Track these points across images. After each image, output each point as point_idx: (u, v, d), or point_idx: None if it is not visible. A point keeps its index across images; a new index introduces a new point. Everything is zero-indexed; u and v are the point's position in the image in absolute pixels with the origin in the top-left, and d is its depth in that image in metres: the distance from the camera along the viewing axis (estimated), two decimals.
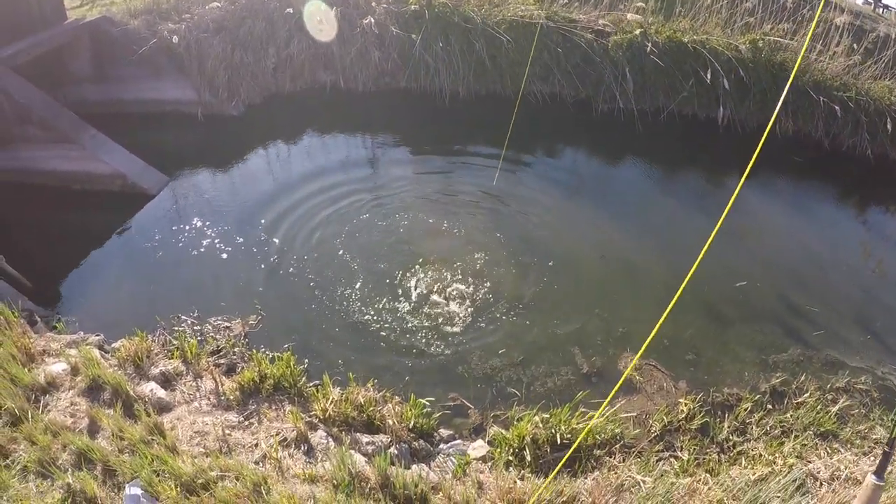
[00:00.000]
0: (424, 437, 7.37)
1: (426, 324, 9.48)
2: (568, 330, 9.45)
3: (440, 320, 9.55)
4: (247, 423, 6.92)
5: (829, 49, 16.57)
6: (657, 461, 7.24)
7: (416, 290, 10.07)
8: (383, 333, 9.25)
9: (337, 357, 8.83)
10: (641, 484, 6.48)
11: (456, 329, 9.41)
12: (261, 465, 6.19)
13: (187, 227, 11.44)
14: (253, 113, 15.69)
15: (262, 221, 11.57)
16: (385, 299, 9.88)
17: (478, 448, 7.34)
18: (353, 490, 5.86)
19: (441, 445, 7.39)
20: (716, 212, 12.59)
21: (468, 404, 8.17)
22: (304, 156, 14.09)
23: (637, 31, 15.61)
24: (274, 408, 7.17)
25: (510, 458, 7.02)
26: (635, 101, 15.52)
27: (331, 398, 7.26)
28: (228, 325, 9.17)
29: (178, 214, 11.89)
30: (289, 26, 16.17)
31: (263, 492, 5.63)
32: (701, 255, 2.89)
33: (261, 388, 7.41)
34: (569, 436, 7.17)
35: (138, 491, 5.46)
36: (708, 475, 6.90)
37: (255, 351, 8.32)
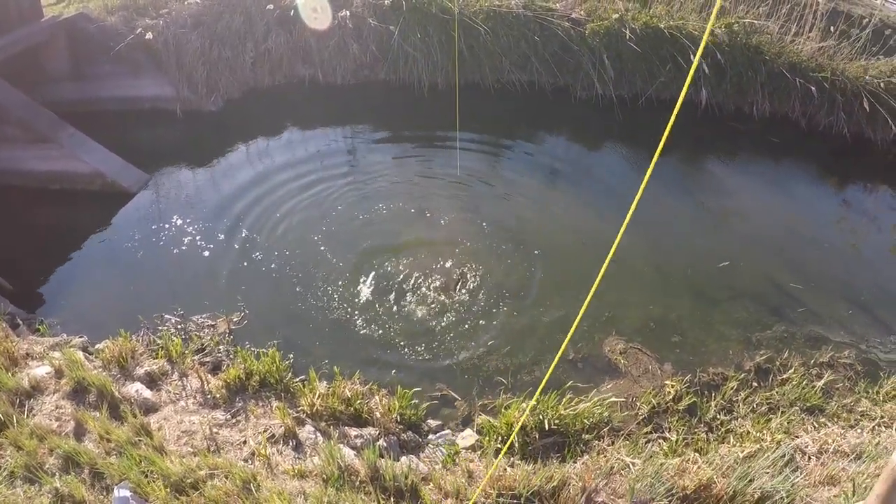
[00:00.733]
0: (413, 429, 7.39)
1: (411, 316, 9.50)
2: (553, 317, 9.49)
3: (424, 311, 9.58)
4: (234, 420, 6.91)
5: (804, 31, 16.67)
6: (646, 443, 7.30)
7: (399, 282, 10.07)
8: (368, 327, 9.26)
9: (322, 352, 8.83)
10: (631, 466, 6.52)
11: (440, 320, 9.44)
12: (249, 462, 6.18)
13: (168, 225, 11.37)
14: (232, 108, 15.59)
15: (244, 218, 11.52)
16: (369, 292, 9.89)
17: (467, 437, 7.37)
18: (343, 484, 5.87)
19: (430, 436, 7.42)
20: (696, 192, 12.84)
21: (455, 395, 8.21)
22: (283, 150, 14.01)
23: (614, 17, 15.64)
24: (261, 404, 7.16)
25: (499, 445, 7.05)
26: (614, 88, 15.55)
27: (317, 393, 7.25)
28: (212, 323, 9.14)
29: (159, 212, 11.81)
30: (266, 20, 16.05)
31: (253, 489, 5.63)
32: (623, 227, 2.92)
33: (247, 386, 7.39)
34: (556, 422, 7.22)
35: (127, 493, 5.43)
36: (697, 454, 6.94)
37: (239, 348, 8.30)
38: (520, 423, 6.76)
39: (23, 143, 12.36)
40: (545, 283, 10.20)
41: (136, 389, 7.19)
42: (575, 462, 6.77)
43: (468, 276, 10.15)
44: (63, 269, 10.73)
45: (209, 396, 7.24)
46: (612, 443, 7.26)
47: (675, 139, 14.01)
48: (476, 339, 9.09)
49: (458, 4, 15.55)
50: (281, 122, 15.09)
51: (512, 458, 6.80)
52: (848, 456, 7.05)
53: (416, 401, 7.73)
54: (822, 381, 8.51)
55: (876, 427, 7.82)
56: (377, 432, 6.98)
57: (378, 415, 7.19)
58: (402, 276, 10.15)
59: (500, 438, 7.13)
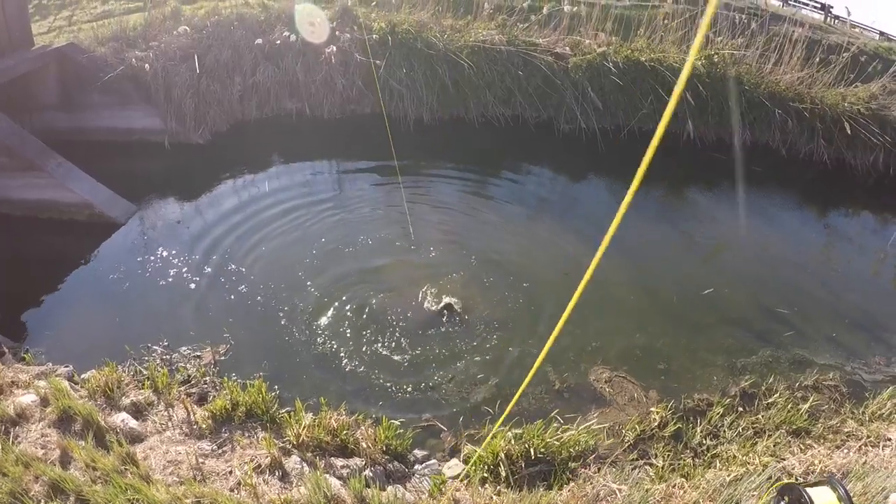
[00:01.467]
0: (399, 459, 7.40)
1: (396, 347, 9.53)
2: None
3: (410, 343, 9.61)
4: (220, 450, 6.91)
5: (783, 61, 17.01)
6: (632, 469, 7.32)
7: (384, 313, 10.11)
8: (354, 358, 9.28)
9: (308, 383, 8.85)
10: (617, 492, 6.58)
11: (427, 351, 9.48)
12: (236, 492, 6.18)
13: (155, 257, 11.39)
14: (219, 141, 15.69)
15: (230, 250, 11.55)
16: (355, 324, 9.91)
17: (453, 467, 7.40)
18: None
19: (416, 466, 7.44)
20: (679, 222, 12.97)
21: (441, 426, 8.23)
22: (270, 183, 14.09)
23: (597, 52, 15.91)
24: (247, 435, 7.16)
25: (486, 474, 7.08)
26: (596, 120, 15.83)
27: (303, 423, 7.25)
28: (198, 353, 9.16)
29: (146, 243, 11.84)
30: (255, 54, 16.24)
31: None
32: (599, 254, 3.01)
33: (233, 416, 7.39)
34: (542, 450, 7.26)
35: None
36: (683, 479, 7.02)
37: (226, 379, 8.31)
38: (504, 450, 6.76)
39: (10, 171, 12.38)
40: (530, 312, 10.27)
41: (122, 419, 7.18)
42: (561, 490, 6.80)
43: (455, 306, 10.20)
44: (49, 298, 10.72)
45: (195, 427, 7.24)
46: (599, 470, 7.29)
47: (657, 171, 14.21)
48: (463, 370, 9.13)
49: (442, 40, 15.81)
50: (268, 155, 15.18)
51: (498, 487, 6.82)
52: (835, 476, 7.12)
53: (403, 431, 7.73)
54: (808, 404, 8.59)
55: (862, 447, 7.90)
56: (363, 462, 6.99)
57: (364, 445, 7.20)
58: (387, 308, 10.19)
59: (486, 467, 7.16)
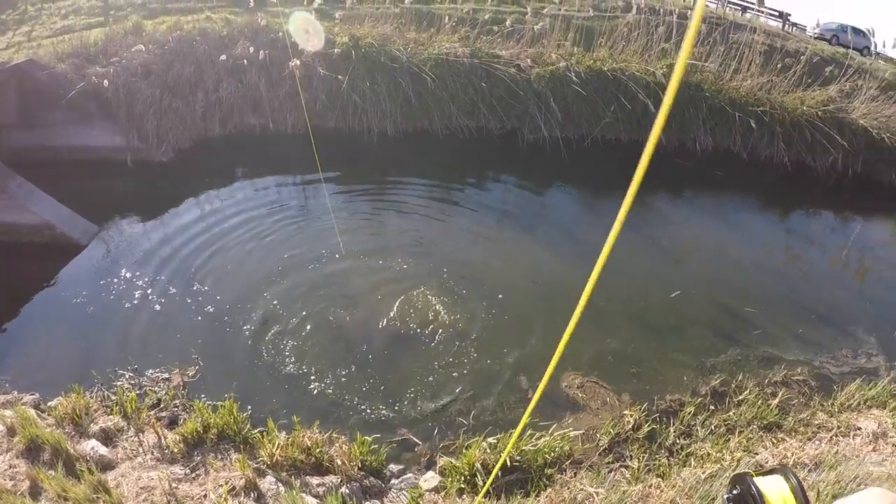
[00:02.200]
0: (375, 475, 7.36)
1: (368, 363, 9.46)
2: (512, 358, 9.58)
3: (381, 357, 9.56)
4: (193, 474, 6.81)
5: (743, 69, 17.32)
6: (608, 472, 7.42)
7: (354, 329, 10.04)
8: (325, 376, 9.20)
9: (280, 402, 8.74)
10: (595, 495, 6.62)
11: (398, 364, 9.44)
12: None
13: (119, 278, 11.20)
14: (182, 158, 15.51)
15: (195, 269, 11.41)
16: (324, 341, 9.83)
17: (429, 479, 7.37)
18: None
19: (392, 481, 7.40)
20: (643, 228, 13.13)
21: (416, 440, 8.21)
22: (234, 200, 13.95)
23: (560, 63, 16.05)
24: (220, 457, 7.06)
25: (462, 485, 7.07)
26: (560, 130, 15.96)
27: (277, 443, 7.18)
28: (167, 376, 9.01)
29: (110, 265, 11.63)
30: (217, 70, 16.11)
31: None
32: (596, 272, 3.03)
33: (205, 439, 7.29)
34: (518, 458, 7.29)
35: None
36: (659, 479, 7.11)
37: (196, 401, 8.20)
38: (499, 463, 6.76)
39: None
40: (501, 322, 10.30)
41: (92, 446, 7.05)
42: (538, 496, 6.83)
43: (426, 318, 10.18)
44: (11, 324, 10.48)
45: (167, 451, 7.13)
46: (575, 474, 7.35)
47: (621, 179, 14.48)
48: (436, 382, 9.11)
49: (406, 53, 15.85)
50: (231, 171, 15.06)
51: (475, 497, 6.82)
52: (808, 466, 7.25)
53: (377, 446, 7.69)
54: (778, 399, 8.81)
55: (833, 437, 8.15)
56: (339, 480, 6.94)
57: (339, 462, 7.15)
58: (357, 323, 10.13)
59: (462, 478, 7.15)
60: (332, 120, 16.40)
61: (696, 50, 17.29)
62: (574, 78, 15.84)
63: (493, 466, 7.10)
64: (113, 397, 8.06)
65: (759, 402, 8.75)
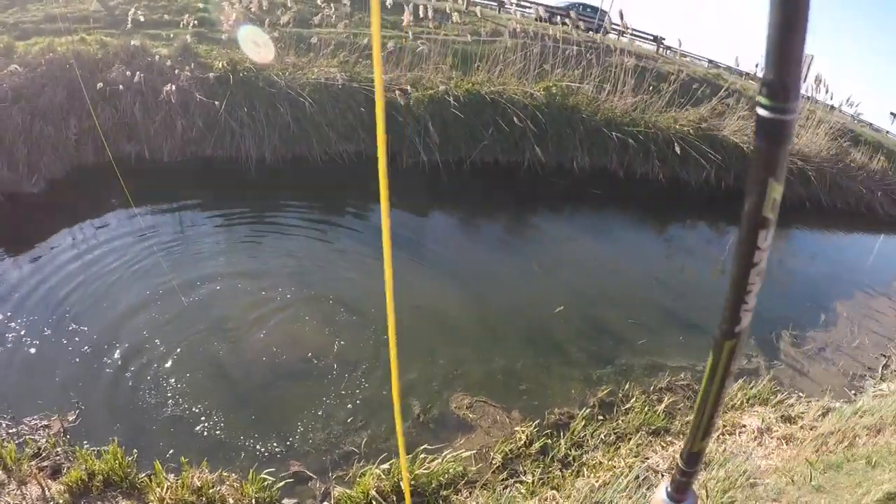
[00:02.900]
0: None
1: (253, 399, 9.39)
2: (402, 383, 9.69)
3: (266, 390, 9.49)
4: None
5: (618, 90, 17.93)
6: (504, 489, 7.53)
7: (237, 365, 9.94)
8: (210, 411, 9.09)
9: (166, 443, 8.49)
10: None
11: (283, 396, 9.34)
12: None
13: None
14: (55, 188, 15.04)
15: (71, 308, 11.11)
16: (208, 378, 9.71)
17: None
18: None
19: None
20: (522, 247, 13.51)
21: (309, 473, 8.19)
22: (109, 231, 13.62)
23: (440, 87, 16.31)
24: None
25: None
26: (439, 154, 16.15)
27: (166, 486, 7.00)
28: (46, 423, 8.81)
29: None
30: (91, 95, 15.78)
31: None
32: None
33: (91, 487, 6.98)
34: (413, 482, 7.38)
35: None
36: (555, 491, 7.26)
37: (78, 448, 8.09)
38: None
39: None
40: (381, 349, 10.29)
41: None
42: None
43: (311, 347, 10.24)
44: None
45: (52, 503, 7.08)
46: (471, 494, 7.45)
47: (499, 199, 14.74)
48: (325, 414, 9.04)
49: (284, 78, 15.86)
50: (106, 201, 14.69)
51: None
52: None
53: (271, 481, 7.59)
54: (664, 405, 9.19)
55: (720, 436, 8.58)
56: None
57: (231, 501, 7.09)
58: (239, 357, 10.00)
59: None
60: (209, 147, 16.18)
61: (571, 72, 17.86)
62: (453, 101, 16.10)
63: (390, 493, 7.20)
64: None
65: (646, 408, 9.08)
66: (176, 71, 16.21)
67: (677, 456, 1.88)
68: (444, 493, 7.46)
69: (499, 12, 25.33)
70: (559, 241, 14.29)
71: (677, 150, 17.21)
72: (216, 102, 15.70)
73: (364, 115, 16.08)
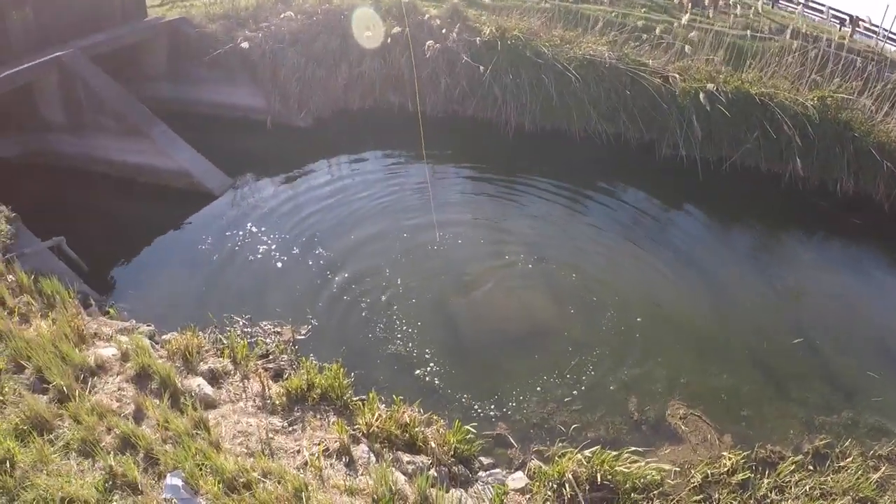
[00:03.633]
0: (464, 463, 7.30)
1: (479, 354, 9.42)
2: (627, 377, 9.31)
3: (494, 351, 9.48)
4: (290, 429, 6.90)
5: None
6: None
7: (470, 319, 10.04)
8: (435, 358, 9.20)
9: (385, 376, 8.82)
10: None
11: (508, 362, 9.33)
12: (302, 471, 6.13)
13: (245, 231, 11.57)
14: (321, 126, 15.91)
15: (321, 236, 11.62)
16: (439, 324, 9.86)
17: (517, 480, 7.23)
18: None
19: (480, 473, 7.31)
20: (770, 265, 12.54)
21: (512, 440, 8.10)
22: (367, 174, 14.16)
23: (706, 82, 15.50)
24: (319, 417, 7.13)
25: (549, 493, 6.91)
26: (699, 150, 15.33)
27: (376, 414, 7.22)
28: (279, 330, 9.22)
29: (239, 218, 12.04)
30: (362, 45, 16.36)
31: (304, 498, 5.58)
32: None
33: (307, 397, 7.39)
34: (609, 477, 7.05)
35: (179, 482, 5.46)
36: None
37: (304, 359, 8.33)
38: None
39: (115, 133, 12.83)
40: (621, 335, 10.06)
41: (198, 384, 7.24)
42: None
43: (544, 322, 10.05)
44: (139, 258, 10.99)
45: (268, 402, 7.25)
46: None
47: (754, 208, 13.75)
48: (545, 388, 8.94)
49: (551, 50, 15.68)
50: (368, 145, 15.29)
51: None
52: None
53: (473, 436, 7.61)
54: (879, 474, 8.11)
55: None
56: (430, 461, 6.89)
57: (433, 444, 7.11)
58: (474, 315, 10.11)
59: (551, 486, 6.98)
60: (471, 108, 16.48)
61: (850, 83, 16.38)
62: (720, 97, 15.24)
63: (584, 481, 6.95)
64: (224, 341, 8.30)
65: (860, 472, 8.06)
66: (444, 31, 16.44)
67: None
68: (636, 496, 7.12)
69: (772, 7, 23.67)
70: (807, 267, 13.05)
71: None
72: (481, 67, 15.75)
73: (628, 98, 15.57)
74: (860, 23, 19.94)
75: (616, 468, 7.17)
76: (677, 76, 15.73)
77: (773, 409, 9.16)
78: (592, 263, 11.69)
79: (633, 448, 7.74)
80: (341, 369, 7.77)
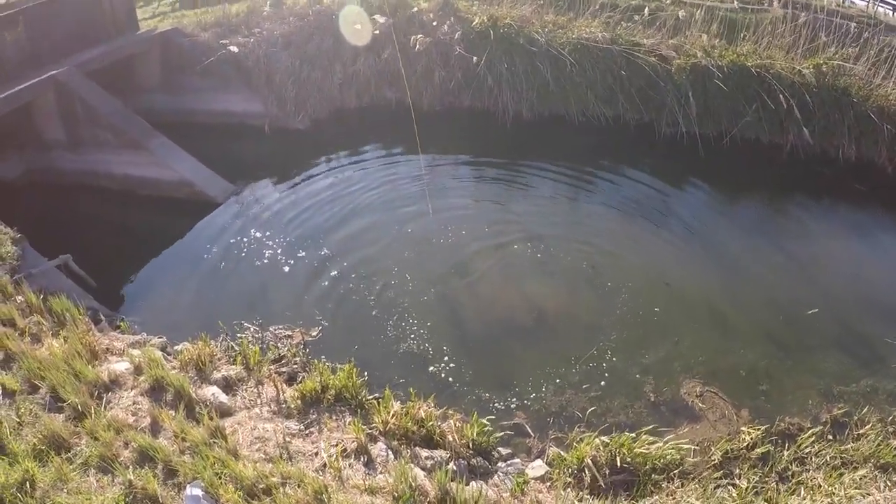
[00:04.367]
0: (483, 455, 7.31)
1: (492, 344, 9.45)
2: (646, 361, 9.31)
3: (506, 340, 9.51)
4: (307, 431, 6.93)
5: (894, 75, 16.15)
6: (715, 488, 7.08)
7: (481, 310, 10.06)
8: (447, 351, 9.23)
9: (398, 372, 8.85)
10: None
11: (522, 351, 9.35)
12: (321, 473, 6.16)
13: (251, 238, 11.60)
14: (319, 127, 15.91)
15: (325, 236, 11.66)
16: (447, 321, 9.88)
17: (536, 468, 7.25)
18: (414, 503, 5.82)
19: (499, 464, 7.31)
20: (778, 237, 12.45)
21: (529, 429, 8.12)
22: (369, 171, 14.16)
23: (702, 55, 15.43)
24: (334, 418, 7.16)
25: (569, 479, 6.92)
26: (698, 125, 15.26)
27: (392, 411, 7.24)
28: (290, 334, 9.26)
29: (243, 224, 12.08)
30: (355, 44, 16.37)
31: (324, 500, 5.61)
32: None
33: (322, 398, 7.43)
34: (629, 459, 7.07)
35: (199, 492, 5.47)
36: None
37: (316, 361, 8.36)
38: None
39: (114, 147, 12.88)
40: (634, 316, 10.07)
41: (213, 393, 7.27)
42: (644, 501, 6.66)
43: (556, 307, 10.07)
44: (146, 271, 11.02)
45: (283, 406, 7.29)
46: (682, 485, 7.10)
47: (757, 180, 13.64)
48: (560, 375, 8.95)
49: (544, 36, 15.62)
50: (367, 143, 15.29)
51: (581, 493, 6.68)
52: None
53: (490, 428, 7.62)
54: None
55: None
56: (448, 455, 6.91)
57: (450, 438, 7.14)
58: (484, 305, 10.13)
59: (570, 472, 7.00)
60: (468, 99, 16.47)
61: (845, 50, 16.25)
62: (716, 72, 15.16)
63: (604, 465, 6.96)
64: (236, 348, 8.33)
65: (881, 439, 8.01)
66: (435, 23, 16.42)
67: None
68: (657, 477, 7.13)
69: None
70: (816, 236, 12.95)
71: None
72: (475, 57, 15.74)
73: (624, 79, 15.51)
74: None
75: (635, 450, 7.19)
76: (672, 53, 15.65)
77: (791, 382, 9.12)
78: (598, 247, 11.68)
79: (652, 427, 7.78)
80: (354, 369, 7.80)
